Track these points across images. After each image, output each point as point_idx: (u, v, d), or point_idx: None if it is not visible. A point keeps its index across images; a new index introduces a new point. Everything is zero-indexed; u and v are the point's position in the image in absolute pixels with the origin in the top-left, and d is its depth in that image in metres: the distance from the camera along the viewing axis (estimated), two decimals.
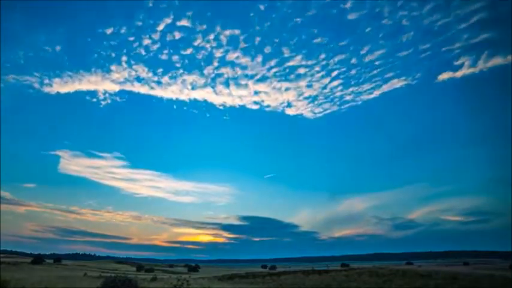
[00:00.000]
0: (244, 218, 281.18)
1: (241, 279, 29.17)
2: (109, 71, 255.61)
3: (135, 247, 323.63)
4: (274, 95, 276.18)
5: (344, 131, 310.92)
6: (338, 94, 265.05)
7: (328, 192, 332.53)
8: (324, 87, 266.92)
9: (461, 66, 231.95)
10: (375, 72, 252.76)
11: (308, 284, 22.92)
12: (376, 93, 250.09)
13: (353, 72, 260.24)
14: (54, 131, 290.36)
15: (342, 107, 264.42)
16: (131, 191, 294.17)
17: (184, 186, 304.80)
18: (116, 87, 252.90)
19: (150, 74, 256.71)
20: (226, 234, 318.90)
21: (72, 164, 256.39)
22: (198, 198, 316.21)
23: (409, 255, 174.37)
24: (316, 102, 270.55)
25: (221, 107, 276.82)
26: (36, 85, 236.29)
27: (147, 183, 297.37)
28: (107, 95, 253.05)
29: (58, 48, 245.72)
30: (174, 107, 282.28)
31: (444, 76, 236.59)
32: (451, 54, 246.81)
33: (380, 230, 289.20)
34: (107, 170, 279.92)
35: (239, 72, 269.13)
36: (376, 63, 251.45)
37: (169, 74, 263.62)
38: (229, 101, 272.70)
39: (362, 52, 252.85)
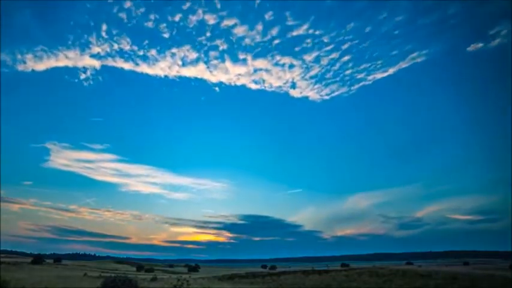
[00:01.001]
0: (245, 217, 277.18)
1: (241, 279, 29.17)
2: (88, 43, 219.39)
3: (134, 247, 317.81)
4: (276, 74, 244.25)
5: (351, 117, 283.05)
6: (348, 72, 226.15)
7: (332, 188, 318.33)
8: (333, 64, 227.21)
9: (495, 35, 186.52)
10: (393, 43, 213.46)
11: (308, 284, 22.92)
12: (391, 70, 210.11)
13: (366, 44, 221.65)
14: (39, 119, 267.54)
15: (352, 88, 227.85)
16: (127, 189, 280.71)
17: (182, 183, 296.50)
18: (97, 63, 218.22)
19: (135, 47, 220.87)
20: (226, 233, 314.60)
21: (63, 158, 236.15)
22: (197, 196, 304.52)
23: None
24: (323, 82, 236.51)
25: (217, 89, 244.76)
26: (9, 61, 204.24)
27: (142, 179, 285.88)
28: (88, 73, 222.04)
29: (27, 14, 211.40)
30: (164, 89, 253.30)
31: (473, 48, 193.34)
32: (485, 20, 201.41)
33: (386, 229, 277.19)
34: (100, 164, 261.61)
35: (236, 44, 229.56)
36: (395, 32, 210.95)
37: (157, 48, 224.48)
38: (226, 79, 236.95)
39: (379, 18, 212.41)
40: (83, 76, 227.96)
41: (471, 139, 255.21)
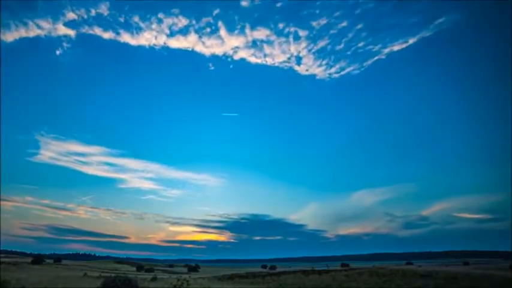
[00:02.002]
0: (245, 216, 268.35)
1: (241, 279, 29.18)
2: (61, 8, 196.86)
3: (133, 246, 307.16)
4: (279, 46, 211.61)
5: (361, 101, 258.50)
6: (361, 44, 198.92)
7: (335, 184, 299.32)
8: (344, 34, 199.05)
9: None
10: (415, 8, 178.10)
11: (308, 284, 22.92)
12: (411, 41, 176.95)
13: (383, 8, 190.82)
14: (20, 104, 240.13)
15: (364, 64, 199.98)
16: (123, 186, 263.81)
17: (179, 178, 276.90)
18: (72, 32, 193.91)
19: (115, 12, 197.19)
20: (226, 233, 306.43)
21: (53, 151, 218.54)
22: (196, 193, 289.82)
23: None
24: (332, 57, 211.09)
25: (211, 66, 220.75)
26: None
27: (138, 175, 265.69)
28: (64, 46, 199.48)
29: None
30: (150, 64, 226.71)
31: None
32: None
33: (391, 228, 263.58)
34: (93, 159, 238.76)
35: (231, 8, 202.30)
36: None
37: (141, 13, 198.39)
38: (221, 52, 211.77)
39: None
40: (59, 51, 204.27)
41: (484, 133, 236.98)
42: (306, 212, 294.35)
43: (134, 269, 56.81)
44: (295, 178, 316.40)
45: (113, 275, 21.60)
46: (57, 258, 63.33)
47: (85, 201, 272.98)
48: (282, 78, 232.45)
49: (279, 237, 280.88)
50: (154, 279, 26.12)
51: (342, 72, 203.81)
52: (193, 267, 66.03)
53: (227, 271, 52.39)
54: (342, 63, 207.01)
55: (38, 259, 46.99)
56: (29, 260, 49.02)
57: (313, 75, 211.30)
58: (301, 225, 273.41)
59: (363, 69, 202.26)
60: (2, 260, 45.38)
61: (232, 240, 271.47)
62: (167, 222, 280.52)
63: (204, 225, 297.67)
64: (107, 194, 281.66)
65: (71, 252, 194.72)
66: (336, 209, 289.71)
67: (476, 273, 24.38)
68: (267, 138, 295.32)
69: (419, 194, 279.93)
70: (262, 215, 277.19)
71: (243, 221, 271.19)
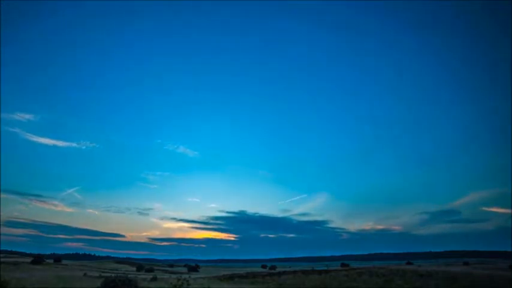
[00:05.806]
0: (247, 215, 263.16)
1: (241, 279, 29.18)
2: None
3: (129, 245, 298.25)
4: None
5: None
6: None
7: (349, 175, 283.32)
8: None
9: None
10: None
11: (308, 284, 22.92)
12: None
13: None
14: None
15: None
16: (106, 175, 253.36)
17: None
18: None
19: None
20: (227, 231, 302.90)
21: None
22: (195, 190, 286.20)
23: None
24: None
25: None
26: None
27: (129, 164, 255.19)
28: None
29: None
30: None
31: None
32: None
33: (408, 225, 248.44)
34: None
35: None
36: None
37: None
38: None
39: None
40: None
41: None
42: (312, 207, 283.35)
43: (134, 269, 56.81)
44: (302, 169, 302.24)
45: (113, 275, 21.60)
46: (57, 258, 63.38)
47: (71, 193, 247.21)
48: None
49: (288, 236, 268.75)
50: (154, 279, 26.14)
51: None
52: (193, 267, 66.02)
53: (227, 271, 52.41)
54: None
55: (38, 259, 46.99)
56: (29, 260, 49.05)
57: None
58: (305, 223, 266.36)
59: None
60: (2, 260, 45.38)
61: (232, 238, 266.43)
62: (161, 218, 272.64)
63: (206, 222, 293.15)
64: (93, 185, 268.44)
65: (70, 252, 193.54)
66: (348, 204, 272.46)
67: (477, 273, 24.39)
68: (268, 126, 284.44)
69: (447, 184, 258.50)
70: (264, 212, 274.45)
71: (245, 218, 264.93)
